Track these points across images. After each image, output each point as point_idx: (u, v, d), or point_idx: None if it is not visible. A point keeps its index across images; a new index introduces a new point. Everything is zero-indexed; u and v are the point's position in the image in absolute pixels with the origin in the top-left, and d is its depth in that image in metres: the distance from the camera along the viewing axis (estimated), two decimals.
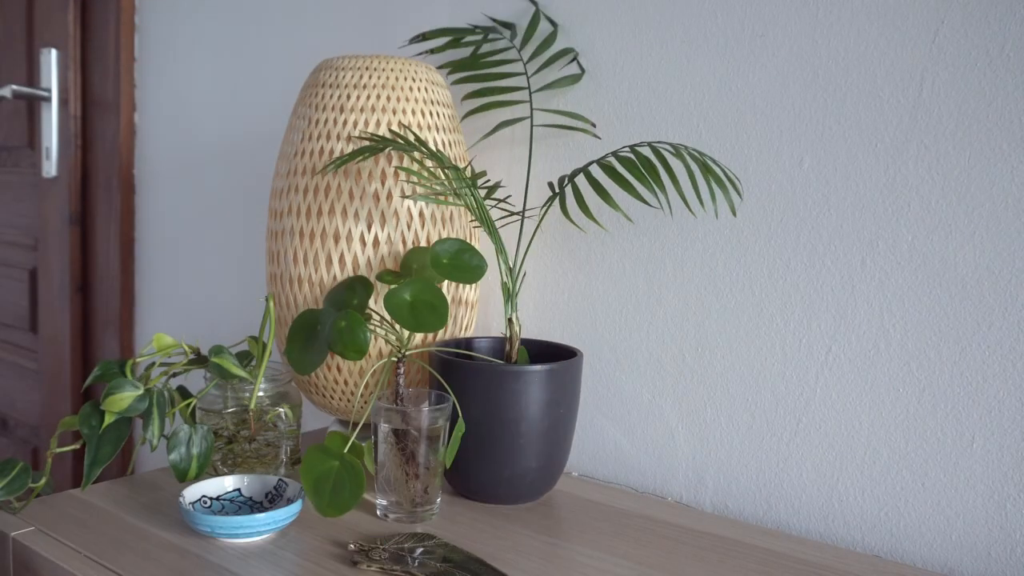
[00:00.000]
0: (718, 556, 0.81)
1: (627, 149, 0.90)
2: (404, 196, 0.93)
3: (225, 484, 0.84)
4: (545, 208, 0.95)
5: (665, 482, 1.01)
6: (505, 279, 0.93)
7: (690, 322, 0.98)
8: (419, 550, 0.77)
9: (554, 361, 0.91)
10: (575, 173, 0.90)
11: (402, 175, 0.98)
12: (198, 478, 0.86)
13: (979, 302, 0.81)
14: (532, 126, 1.05)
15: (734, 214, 0.89)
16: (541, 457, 0.91)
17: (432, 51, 1.12)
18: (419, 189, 0.96)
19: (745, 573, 0.78)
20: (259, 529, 0.77)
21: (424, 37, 1.13)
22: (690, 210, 0.97)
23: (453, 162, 0.97)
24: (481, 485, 0.91)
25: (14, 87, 1.76)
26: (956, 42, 0.81)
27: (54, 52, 1.77)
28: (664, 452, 1.01)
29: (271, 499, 0.84)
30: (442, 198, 0.92)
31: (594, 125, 1.06)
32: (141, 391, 0.84)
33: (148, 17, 1.71)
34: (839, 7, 0.87)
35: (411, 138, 0.95)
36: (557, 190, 0.94)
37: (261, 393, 0.95)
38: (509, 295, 0.95)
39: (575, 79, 1.06)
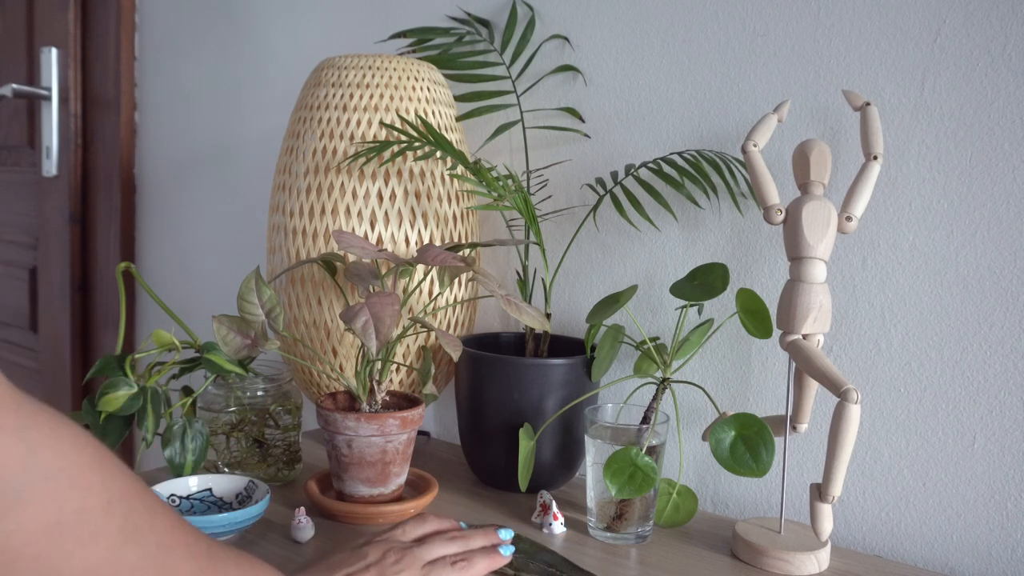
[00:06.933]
0: (717, 554, 0.81)
1: (676, 155, 0.93)
2: (469, 207, 0.94)
3: (195, 483, 0.84)
4: (594, 208, 0.96)
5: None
6: (542, 275, 0.94)
7: (693, 321, 0.98)
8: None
9: (576, 355, 0.94)
10: (624, 174, 0.90)
11: (414, 175, 0.98)
12: (195, 473, 0.86)
13: (980, 302, 0.81)
14: (524, 128, 1.06)
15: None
16: (560, 447, 0.93)
17: (414, 49, 1.13)
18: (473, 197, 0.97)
19: (749, 573, 0.78)
20: (214, 531, 0.76)
21: (405, 35, 1.13)
22: (699, 207, 0.97)
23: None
24: (505, 473, 0.92)
25: (14, 86, 1.76)
26: (958, 42, 0.81)
27: (54, 51, 1.77)
28: (671, 452, 1.01)
29: (241, 500, 0.84)
30: (495, 203, 0.92)
31: (583, 121, 1.06)
32: (135, 390, 0.84)
33: (148, 16, 1.71)
34: (841, 7, 0.87)
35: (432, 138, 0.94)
36: (602, 191, 0.95)
37: (261, 392, 0.95)
38: (544, 290, 0.98)
39: (563, 69, 1.07)
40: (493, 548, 0.73)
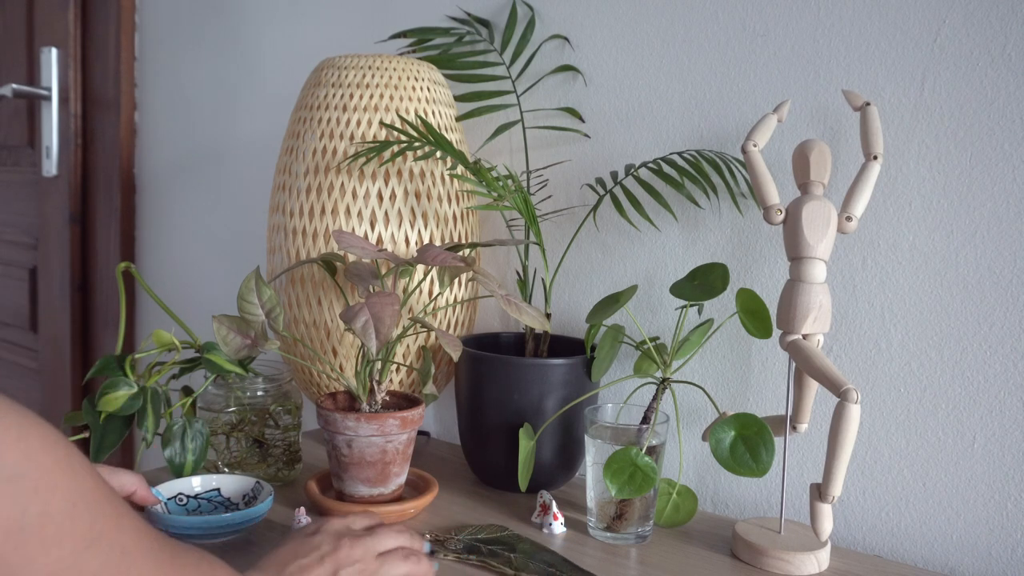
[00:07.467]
0: (718, 556, 0.81)
1: (676, 155, 0.93)
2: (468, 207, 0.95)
3: (204, 483, 0.84)
4: (594, 208, 0.96)
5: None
6: (542, 275, 0.93)
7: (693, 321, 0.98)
8: (492, 541, 0.80)
9: (576, 355, 0.94)
10: (624, 174, 0.90)
11: (414, 175, 0.98)
12: (195, 473, 0.86)
13: (980, 302, 0.81)
14: (524, 128, 1.06)
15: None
16: (560, 447, 0.93)
17: (414, 49, 1.13)
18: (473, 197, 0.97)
19: (748, 573, 0.78)
20: (217, 531, 0.76)
21: (405, 35, 1.13)
22: (699, 207, 0.97)
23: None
24: (505, 473, 0.93)
25: (14, 86, 1.76)
26: (958, 42, 0.81)
27: (54, 51, 1.77)
28: (671, 452, 1.01)
29: (248, 501, 0.84)
30: (495, 203, 0.92)
31: (583, 121, 1.06)
32: (135, 390, 0.84)
33: (148, 16, 1.71)
34: (841, 7, 0.87)
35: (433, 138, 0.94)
36: (602, 191, 0.96)
37: (261, 392, 0.95)
38: (545, 290, 0.98)
39: (563, 69, 1.07)
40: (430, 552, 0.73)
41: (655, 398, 0.86)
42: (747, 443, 0.78)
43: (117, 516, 0.48)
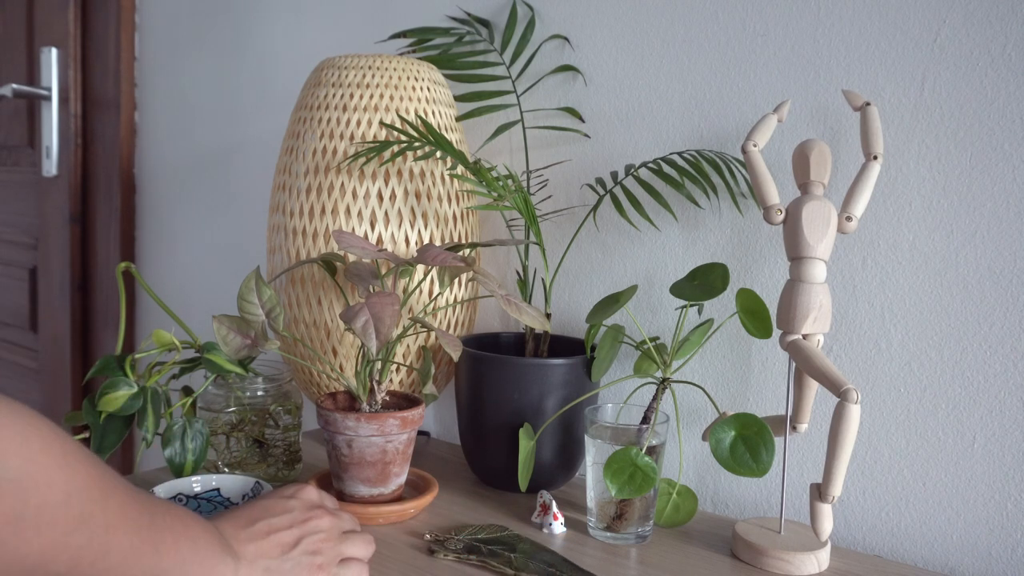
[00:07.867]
0: (717, 556, 0.81)
1: (676, 155, 0.93)
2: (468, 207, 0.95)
3: (204, 483, 0.83)
4: (594, 208, 0.96)
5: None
6: (542, 275, 0.93)
7: (693, 321, 0.98)
8: (492, 541, 0.80)
9: (576, 355, 0.94)
10: (624, 174, 0.90)
11: (414, 175, 0.98)
12: (195, 473, 0.86)
13: (980, 302, 0.81)
14: (524, 128, 1.06)
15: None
16: (560, 447, 0.93)
17: (414, 49, 1.13)
18: (473, 197, 0.97)
19: (748, 573, 0.78)
20: None
21: (405, 35, 1.14)
22: (699, 207, 0.97)
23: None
24: (505, 473, 0.93)
25: (14, 86, 1.76)
26: (958, 42, 0.81)
27: (54, 51, 1.77)
28: (671, 452, 1.00)
29: (248, 501, 0.83)
30: (495, 203, 0.93)
31: (583, 121, 1.06)
32: (135, 390, 0.84)
33: (148, 16, 1.71)
34: (841, 7, 0.87)
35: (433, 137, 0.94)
36: (602, 191, 0.96)
37: (261, 392, 0.95)
38: (544, 290, 0.98)
39: (563, 69, 1.07)
40: None
41: (655, 398, 0.86)
42: (747, 443, 0.78)
43: (105, 498, 0.52)
